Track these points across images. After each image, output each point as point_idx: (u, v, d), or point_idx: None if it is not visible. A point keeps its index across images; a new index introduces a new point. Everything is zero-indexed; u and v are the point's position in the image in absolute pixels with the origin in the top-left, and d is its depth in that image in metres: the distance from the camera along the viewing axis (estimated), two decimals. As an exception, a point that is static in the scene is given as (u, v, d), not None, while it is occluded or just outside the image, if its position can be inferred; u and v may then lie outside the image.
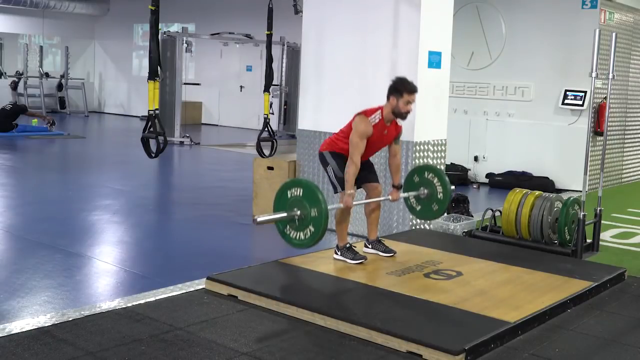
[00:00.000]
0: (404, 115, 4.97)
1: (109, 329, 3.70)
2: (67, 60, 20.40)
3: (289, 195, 4.52)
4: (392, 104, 4.93)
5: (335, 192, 5.09)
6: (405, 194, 5.52)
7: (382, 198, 5.24)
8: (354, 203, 4.94)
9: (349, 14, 6.56)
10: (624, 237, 6.71)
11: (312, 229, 4.43)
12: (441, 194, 5.46)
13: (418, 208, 5.63)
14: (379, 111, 4.95)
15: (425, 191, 5.50)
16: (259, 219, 4.41)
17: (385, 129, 4.99)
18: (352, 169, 4.84)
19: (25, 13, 20.33)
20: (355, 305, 4.20)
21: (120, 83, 21.64)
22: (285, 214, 4.49)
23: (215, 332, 3.72)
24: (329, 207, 4.47)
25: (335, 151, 5.04)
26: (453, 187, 5.55)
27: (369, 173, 5.16)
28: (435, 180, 5.46)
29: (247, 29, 15.40)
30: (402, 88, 4.91)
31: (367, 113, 4.95)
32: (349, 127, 5.00)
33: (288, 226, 4.55)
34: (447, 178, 5.49)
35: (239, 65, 18.45)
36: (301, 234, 4.50)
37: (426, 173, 5.52)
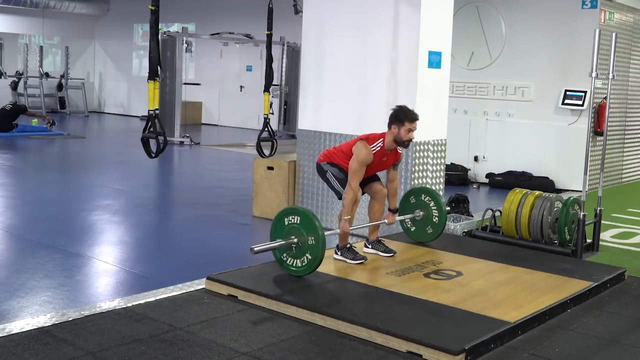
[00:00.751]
0: (405, 144, 5.01)
1: (109, 329, 3.70)
2: (67, 60, 20.40)
3: (286, 223, 4.54)
4: (393, 133, 4.96)
5: (340, 198, 5.09)
6: (402, 217, 5.56)
7: (378, 222, 5.27)
8: (351, 229, 4.97)
9: (349, 14, 6.56)
10: (624, 237, 6.71)
11: (310, 257, 4.46)
12: (437, 218, 5.51)
13: (413, 229, 5.69)
14: (381, 139, 4.98)
15: (421, 213, 5.56)
16: (256, 249, 4.42)
17: (385, 155, 5.04)
18: (350, 195, 4.87)
19: (25, 13, 20.33)
20: (355, 305, 4.19)
21: (120, 83, 21.64)
22: (282, 242, 4.51)
23: (215, 332, 3.72)
24: (325, 234, 4.48)
25: (333, 162, 5.09)
26: (448, 208, 5.57)
27: (372, 177, 5.18)
28: (432, 203, 5.52)
29: (247, 29, 15.40)
30: (403, 117, 4.94)
31: (369, 140, 4.97)
32: (348, 148, 5.04)
33: (285, 253, 4.57)
34: (443, 200, 5.53)
35: (239, 65, 18.45)
36: (298, 261, 4.52)
37: (423, 195, 5.58)
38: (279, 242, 4.53)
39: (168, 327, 3.76)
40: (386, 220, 5.31)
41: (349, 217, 4.90)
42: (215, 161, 12.20)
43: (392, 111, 5.02)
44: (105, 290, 4.81)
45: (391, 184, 5.24)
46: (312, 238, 4.42)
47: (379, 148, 4.96)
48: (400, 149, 5.13)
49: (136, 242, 6.31)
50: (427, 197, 5.56)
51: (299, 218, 4.50)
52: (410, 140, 5.01)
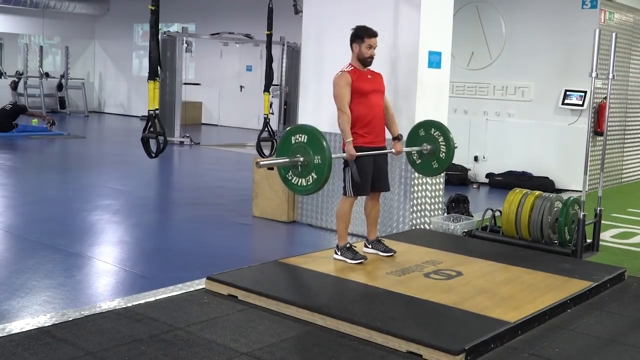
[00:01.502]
0: (368, 61, 5.05)
1: (109, 329, 3.70)
2: (67, 60, 20.40)
3: (292, 142, 4.48)
4: (355, 52, 5.04)
5: (344, 194, 5.08)
6: (409, 149, 5.54)
7: (385, 151, 5.20)
8: (358, 154, 4.90)
9: (349, 14, 6.55)
10: (624, 237, 6.71)
11: (315, 176, 4.39)
12: (443, 153, 5.47)
13: (418, 162, 5.65)
14: (348, 63, 5.07)
15: (429, 147, 5.51)
16: (262, 163, 4.41)
17: (368, 74, 5.06)
18: (344, 118, 4.92)
19: (25, 13, 20.33)
20: (355, 305, 4.19)
21: (120, 83, 21.64)
22: (287, 160, 4.46)
23: (215, 332, 3.72)
24: (332, 156, 4.44)
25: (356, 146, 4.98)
26: (457, 145, 5.54)
27: (379, 181, 5.17)
28: (441, 139, 5.47)
29: (247, 29, 15.40)
30: (362, 33, 5.02)
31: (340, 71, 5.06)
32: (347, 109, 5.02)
33: (290, 172, 4.52)
34: (452, 136, 5.47)
35: (239, 65, 18.45)
36: (303, 180, 4.46)
37: (433, 130, 5.52)
38: (285, 159, 4.48)
39: (168, 327, 3.76)
40: (393, 150, 5.26)
41: (352, 139, 4.88)
42: (215, 161, 12.19)
43: (352, 30, 5.07)
44: (105, 290, 4.80)
45: (387, 111, 5.22)
46: (319, 157, 4.36)
47: (351, 68, 5.02)
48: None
49: (136, 242, 6.31)
50: (437, 132, 5.49)
51: (306, 137, 4.43)
52: (372, 57, 5.03)
